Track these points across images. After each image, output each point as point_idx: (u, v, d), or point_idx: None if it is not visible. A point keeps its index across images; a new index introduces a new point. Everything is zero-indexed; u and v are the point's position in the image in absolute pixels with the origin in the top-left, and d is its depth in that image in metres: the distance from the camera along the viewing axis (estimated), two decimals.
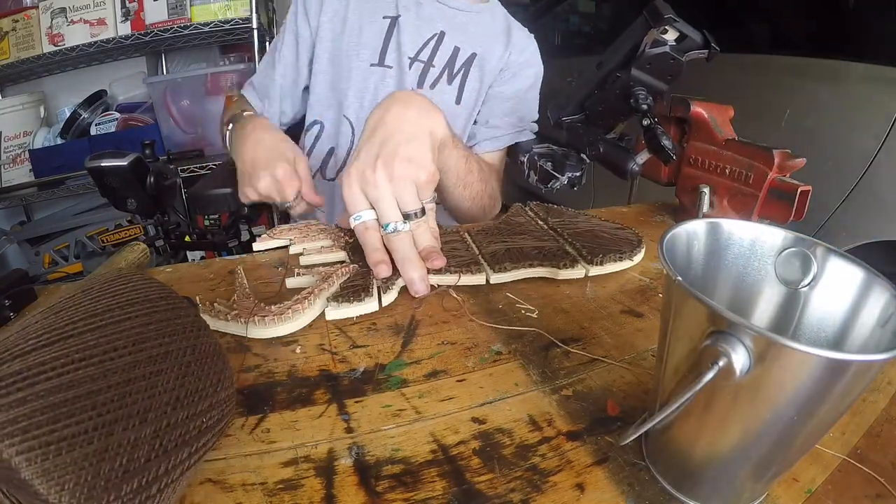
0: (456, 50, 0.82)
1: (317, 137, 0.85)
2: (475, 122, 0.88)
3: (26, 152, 1.72)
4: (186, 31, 1.61)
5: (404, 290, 0.50)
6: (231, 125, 0.73)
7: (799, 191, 0.56)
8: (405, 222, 0.48)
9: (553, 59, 2.30)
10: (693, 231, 0.31)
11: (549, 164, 0.74)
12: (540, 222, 0.63)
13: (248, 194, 0.66)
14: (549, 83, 0.90)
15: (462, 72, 0.83)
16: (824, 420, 0.25)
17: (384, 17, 0.79)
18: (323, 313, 0.46)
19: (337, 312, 0.45)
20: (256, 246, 0.59)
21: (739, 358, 0.22)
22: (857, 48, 1.14)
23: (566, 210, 0.67)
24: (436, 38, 0.81)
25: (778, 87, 1.28)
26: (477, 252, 0.55)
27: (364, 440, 0.33)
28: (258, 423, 0.34)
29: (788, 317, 0.30)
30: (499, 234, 0.59)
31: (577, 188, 0.73)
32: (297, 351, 0.41)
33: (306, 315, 0.44)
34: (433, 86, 0.82)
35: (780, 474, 0.28)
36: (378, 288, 0.48)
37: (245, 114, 0.73)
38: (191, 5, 1.61)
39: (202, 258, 1.35)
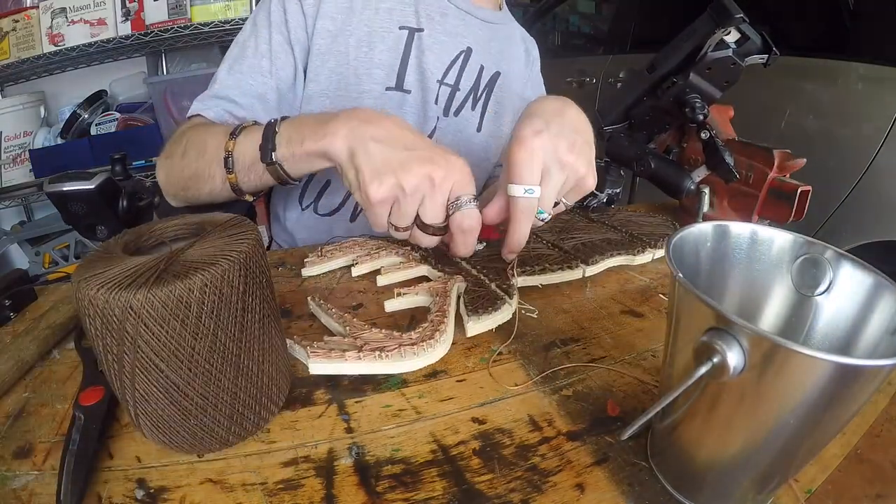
0: (481, 69, 0.72)
1: None
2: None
3: (26, 152, 1.72)
4: (186, 31, 1.61)
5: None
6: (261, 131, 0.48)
7: (799, 191, 0.56)
8: (549, 214, 0.46)
9: (553, 59, 2.32)
10: (702, 234, 0.31)
11: None
12: (582, 217, 0.65)
13: (384, 191, 0.41)
14: (548, 85, 0.89)
15: (485, 94, 0.73)
16: (829, 427, 0.24)
17: (401, 28, 0.66)
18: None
19: (479, 326, 0.43)
20: (306, 272, 0.52)
21: (734, 356, 0.22)
22: (857, 48, 1.14)
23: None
24: (463, 55, 0.70)
25: (778, 87, 1.28)
26: (560, 250, 0.55)
27: (364, 440, 0.33)
28: None
29: (801, 322, 0.30)
30: (564, 232, 0.60)
31: (613, 205, 0.66)
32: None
33: (448, 336, 0.41)
34: (457, 112, 0.72)
35: (783, 484, 0.28)
36: (505, 292, 0.46)
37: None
38: (191, 5, 1.60)
39: None
